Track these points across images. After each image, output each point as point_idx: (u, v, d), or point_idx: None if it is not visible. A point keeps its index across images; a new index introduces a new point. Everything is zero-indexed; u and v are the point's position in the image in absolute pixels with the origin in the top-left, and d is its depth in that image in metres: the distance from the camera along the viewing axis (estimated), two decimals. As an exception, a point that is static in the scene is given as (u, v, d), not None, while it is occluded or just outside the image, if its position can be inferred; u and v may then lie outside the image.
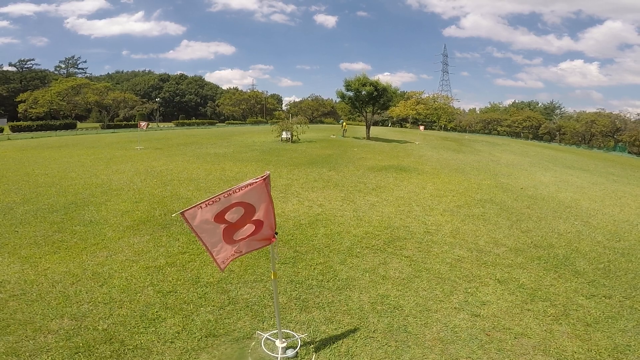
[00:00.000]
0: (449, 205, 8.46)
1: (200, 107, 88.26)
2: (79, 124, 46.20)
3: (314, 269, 4.79)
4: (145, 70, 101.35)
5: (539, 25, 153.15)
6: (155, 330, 3.38)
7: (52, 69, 76.18)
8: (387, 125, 70.62)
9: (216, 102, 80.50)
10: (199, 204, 2.43)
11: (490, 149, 28.01)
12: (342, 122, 36.09)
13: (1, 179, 9.63)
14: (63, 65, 78.38)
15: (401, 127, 69.69)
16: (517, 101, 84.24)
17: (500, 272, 4.95)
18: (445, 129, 69.31)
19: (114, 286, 4.14)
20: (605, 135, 49.14)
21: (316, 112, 78.34)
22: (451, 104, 75.85)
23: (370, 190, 9.66)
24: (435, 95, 74.93)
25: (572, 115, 62.35)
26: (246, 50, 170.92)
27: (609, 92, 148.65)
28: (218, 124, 61.87)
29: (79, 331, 3.31)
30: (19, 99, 49.00)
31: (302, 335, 3.38)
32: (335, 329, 3.52)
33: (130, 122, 50.36)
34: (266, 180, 2.58)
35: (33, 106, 47.11)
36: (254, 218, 2.66)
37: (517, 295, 4.33)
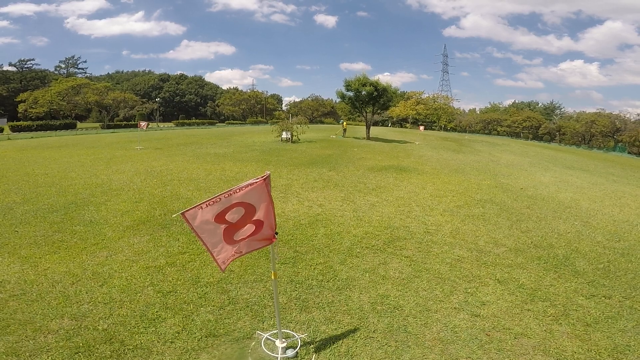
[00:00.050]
0: (449, 206, 8.46)
1: (200, 107, 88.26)
2: (79, 124, 46.19)
3: (314, 269, 4.79)
4: (145, 70, 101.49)
5: (539, 25, 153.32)
6: (155, 330, 3.38)
7: (52, 69, 76.31)
8: (387, 126, 70.60)
9: (216, 102, 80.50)
10: (200, 204, 2.43)
11: (490, 149, 28.01)
12: (342, 122, 36.11)
13: (1, 179, 9.63)
14: (63, 65, 78.47)
15: (401, 127, 69.67)
16: (517, 101, 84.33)
17: (500, 272, 4.95)
18: (445, 129, 69.30)
19: (114, 286, 4.14)
20: (605, 135, 49.13)
21: (316, 112, 78.35)
22: (451, 104, 75.90)
23: (370, 191, 9.67)
24: (435, 96, 74.98)
25: (572, 115, 62.28)
26: (246, 50, 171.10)
27: (609, 92, 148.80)
28: (218, 124, 61.89)
29: (79, 331, 3.31)
30: (19, 99, 49.03)
31: (302, 335, 3.38)
32: (335, 329, 3.52)
33: (130, 122, 50.36)
34: (266, 180, 2.59)
35: (33, 106, 47.13)
36: (254, 218, 2.66)
37: (517, 296, 4.33)
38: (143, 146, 19.04)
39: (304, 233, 6.13)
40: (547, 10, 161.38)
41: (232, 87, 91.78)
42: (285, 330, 3.41)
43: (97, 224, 6.23)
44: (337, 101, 65.34)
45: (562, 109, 76.01)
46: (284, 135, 23.79)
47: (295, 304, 3.93)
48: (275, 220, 2.80)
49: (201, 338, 3.28)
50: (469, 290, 4.39)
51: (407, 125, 70.18)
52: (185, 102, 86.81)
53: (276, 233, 2.88)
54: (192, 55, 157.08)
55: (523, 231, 6.87)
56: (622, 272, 5.23)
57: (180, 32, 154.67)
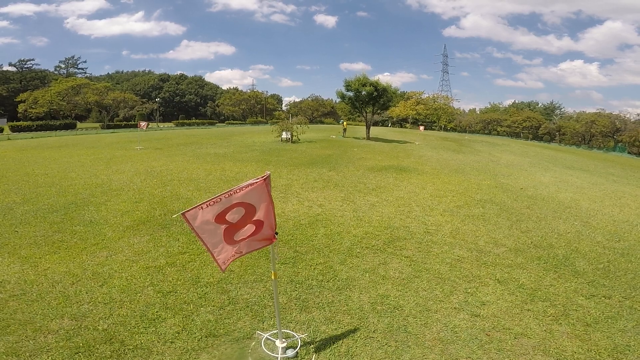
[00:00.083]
0: (449, 206, 8.46)
1: (200, 107, 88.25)
2: (78, 124, 46.17)
3: (314, 269, 4.79)
4: (145, 70, 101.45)
5: (539, 25, 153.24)
6: (155, 330, 3.38)
7: (52, 69, 76.30)
8: (387, 126, 70.59)
9: (216, 102, 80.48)
10: (200, 204, 2.43)
11: (490, 149, 28.02)
12: (342, 122, 36.12)
13: (1, 179, 9.63)
14: (63, 65, 78.47)
15: (401, 127, 69.67)
16: (517, 101, 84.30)
17: (500, 272, 4.95)
18: (445, 129, 69.30)
19: (114, 286, 4.14)
20: (605, 135, 49.12)
21: (316, 112, 78.34)
22: (451, 104, 75.91)
23: (370, 191, 9.67)
24: (435, 96, 74.99)
25: (572, 115, 62.24)
26: (246, 51, 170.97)
27: (609, 92, 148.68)
28: (218, 124, 61.88)
29: (79, 331, 3.31)
30: (19, 99, 49.02)
31: (302, 335, 3.38)
32: (335, 329, 3.52)
33: (130, 122, 50.35)
34: (266, 180, 2.59)
35: (33, 106, 47.13)
36: (254, 218, 2.66)
37: (517, 296, 4.34)
38: (143, 146, 19.04)
39: (304, 233, 6.13)
40: (547, 10, 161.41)
41: (232, 87, 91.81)
42: (285, 330, 3.41)
43: (97, 224, 6.23)
44: (337, 101, 65.33)
45: (562, 109, 76.09)
46: (284, 135, 23.79)
47: (295, 304, 3.93)
48: (275, 220, 2.80)
49: (201, 338, 3.29)
50: (469, 290, 4.39)
51: (407, 125, 70.18)
52: (185, 102, 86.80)
53: (276, 233, 2.88)
54: (192, 55, 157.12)
55: (523, 231, 6.87)
56: (622, 272, 5.24)
57: (180, 32, 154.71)
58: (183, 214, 2.42)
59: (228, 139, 25.06)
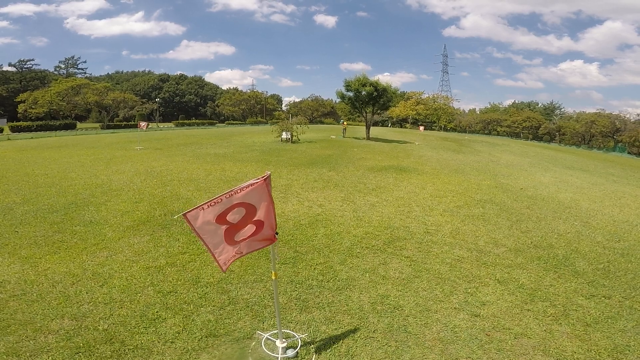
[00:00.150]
0: (449, 206, 8.47)
1: (200, 108, 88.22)
2: (78, 124, 46.13)
3: (314, 269, 4.79)
4: (145, 70, 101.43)
5: (539, 25, 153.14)
6: (155, 330, 3.38)
7: (51, 69, 76.21)
8: (387, 126, 70.62)
9: (216, 102, 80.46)
10: (201, 205, 2.44)
11: (490, 149, 28.03)
12: (343, 122, 36.13)
13: (1, 179, 9.63)
14: (63, 66, 78.42)
15: (401, 127, 69.68)
16: (517, 101, 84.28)
17: (500, 273, 4.96)
18: (445, 130, 69.33)
19: (114, 286, 4.14)
20: (605, 135, 49.14)
21: (316, 112, 78.35)
22: (451, 105, 75.90)
23: (370, 191, 9.67)
24: (435, 96, 74.98)
25: (571, 115, 62.24)
26: (246, 51, 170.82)
27: (609, 92, 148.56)
28: (218, 124, 61.88)
29: (80, 331, 3.32)
30: (19, 99, 48.98)
31: (302, 335, 3.39)
32: (336, 329, 3.52)
33: (130, 123, 50.34)
34: (267, 180, 2.59)
35: (33, 106, 47.09)
36: (255, 219, 2.66)
37: (516, 296, 4.34)
38: (143, 146, 19.05)
39: (304, 233, 6.14)
40: (547, 10, 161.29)
41: (232, 88, 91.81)
42: (285, 330, 3.41)
43: (97, 224, 6.23)
44: (337, 101, 65.35)
45: (562, 109, 76.06)
46: (284, 135, 23.79)
47: (295, 304, 3.93)
48: (275, 220, 2.80)
49: (201, 338, 3.29)
50: (469, 291, 4.40)
51: (407, 125, 70.18)
52: (185, 103, 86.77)
53: (276, 233, 2.88)
54: (192, 56, 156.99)
55: (523, 231, 6.87)
56: (622, 273, 5.24)
57: (180, 32, 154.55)
58: (184, 214, 2.42)
59: (228, 139, 25.06)
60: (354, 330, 3.50)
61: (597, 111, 53.85)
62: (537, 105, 79.74)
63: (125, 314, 3.62)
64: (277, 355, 3.09)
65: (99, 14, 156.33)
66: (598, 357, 3.30)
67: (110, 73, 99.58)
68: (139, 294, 4.00)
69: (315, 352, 3.19)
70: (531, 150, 30.96)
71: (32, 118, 45.19)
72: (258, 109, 77.79)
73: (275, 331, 3.29)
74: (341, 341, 3.33)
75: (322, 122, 72.60)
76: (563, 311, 4.05)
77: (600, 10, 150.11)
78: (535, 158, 23.49)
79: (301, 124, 25.93)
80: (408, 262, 5.15)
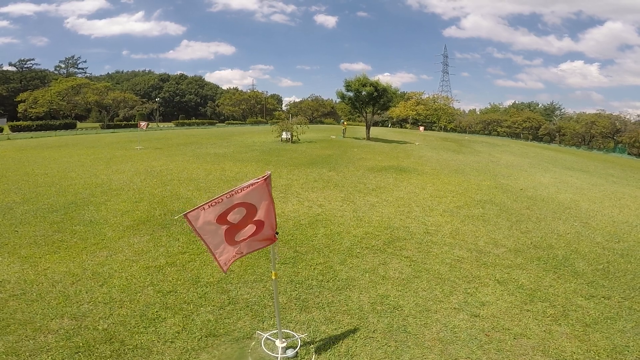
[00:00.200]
0: (449, 206, 8.47)
1: (200, 107, 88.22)
2: (78, 124, 46.13)
3: (314, 269, 4.79)
4: (145, 70, 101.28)
5: (539, 25, 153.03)
6: (155, 330, 3.38)
7: (52, 69, 76.18)
8: (387, 126, 70.64)
9: (216, 102, 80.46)
10: (202, 205, 2.44)
11: (490, 149, 28.04)
12: (343, 122, 36.15)
13: (1, 179, 9.63)
14: (63, 65, 78.38)
15: (401, 127, 69.70)
16: (517, 102, 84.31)
17: (500, 273, 4.96)
18: (445, 130, 69.35)
19: (114, 286, 4.15)
20: (605, 136, 49.15)
21: (316, 112, 78.36)
22: (451, 105, 75.91)
23: (370, 191, 9.67)
24: (435, 96, 75.01)
25: (572, 116, 62.23)
26: (246, 51, 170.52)
27: (609, 93, 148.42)
28: (218, 124, 61.88)
29: (79, 331, 3.32)
30: (19, 99, 48.97)
31: (302, 335, 3.39)
32: (335, 329, 3.53)
33: (130, 122, 50.32)
34: (267, 180, 2.60)
35: (33, 106, 47.09)
36: (255, 218, 2.67)
37: (516, 296, 4.34)
38: (143, 146, 19.05)
39: (304, 233, 6.14)
40: (547, 11, 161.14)
41: (232, 87, 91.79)
42: (285, 330, 3.41)
43: (97, 223, 6.23)
44: (337, 101, 65.40)
45: (562, 110, 76.01)
46: (284, 135, 23.80)
47: (295, 304, 3.93)
48: (275, 220, 2.81)
49: (201, 338, 3.29)
50: (469, 291, 4.40)
51: (407, 125, 70.19)
52: (185, 102, 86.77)
53: (277, 233, 2.89)
54: (192, 55, 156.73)
55: (523, 232, 6.88)
56: (622, 273, 5.24)
57: (180, 32, 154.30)
58: (185, 214, 2.42)
59: (228, 139, 25.06)
60: (354, 330, 3.50)
61: (597, 112, 53.87)
62: (538, 105, 79.76)
63: (125, 313, 3.62)
64: (276, 355, 3.09)
65: (99, 14, 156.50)
66: (597, 357, 3.30)
67: (110, 73, 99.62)
68: (139, 294, 4.00)
69: (315, 352, 3.19)
70: (531, 151, 30.97)
71: (32, 118, 45.18)
72: (258, 109, 77.79)
73: (275, 331, 3.29)
74: (341, 341, 3.33)
75: (322, 122, 72.61)
76: (562, 312, 4.05)
77: (600, 11, 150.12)
78: (535, 159, 23.49)
79: (301, 124, 25.94)
80: (408, 262, 5.16)
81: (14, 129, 34.89)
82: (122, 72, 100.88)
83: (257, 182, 2.54)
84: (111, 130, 39.45)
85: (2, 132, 32.06)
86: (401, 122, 73.42)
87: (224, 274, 4.43)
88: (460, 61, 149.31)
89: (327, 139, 27.66)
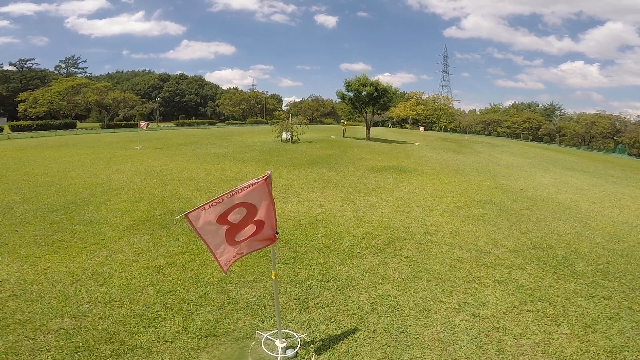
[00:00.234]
0: (449, 206, 8.47)
1: (200, 107, 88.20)
2: (78, 124, 46.13)
3: (314, 269, 4.79)
4: (145, 70, 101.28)
5: (540, 26, 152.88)
6: (155, 329, 3.38)
7: (52, 69, 76.15)
8: (387, 126, 70.62)
9: (216, 102, 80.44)
10: (203, 205, 2.44)
11: (490, 150, 28.04)
12: (343, 122, 36.15)
13: (1, 179, 9.63)
14: (63, 65, 78.34)
15: (401, 127, 69.69)
16: (517, 102, 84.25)
17: (500, 273, 4.96)
18: (445, 130, 69.33)
19: (114, 286, 4.15)
20: (605, 136, 49.15)
21: (316, 112, 78.33)
22: (451, 105, 75.90)
23: (370, 191, 9.67)
24: (435, 96, 75.00)
25: (572, 116, 62.20)
26: (246, 50, 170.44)
27: (609, 93, 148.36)
28: (218, 124, 61.84)
29: (79, 331, 3.32)
30: (19, 99, 48.94)
31: (302, 335, 3.39)
32: (335, 329, 3.53)
33: (130, 122, 50.31)
34: (267, 180, 2.60)
35: (33, 106, 47.06)
36: (255, 218, 2.67)
37: (516, 296, 4.34)
38: (143, 146, 19.04)
39: (304, 233, 6.14)
40: (547, 11, 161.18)
41: (232, 87, 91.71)
42: (285, 330, 3.41)
43: (97, 223, 6.23)
44: (337, 101, 65.41)
45: (562, 110, 75.94)
46: (284, 135, 23.80)
47: (295, 304, 3.93)
48: (276, 220, 2.81)
49: (201, 338, 3.29)
50: (469, 291, 4.40)
51: (407, 125, 70.18)
52: (185, 102, 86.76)
53: (277, 233, 2.89)
54: (192, 55, 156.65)
55: (523, 232, 6.88)
56: (621, 274, 5.24)
57: (180, 32, 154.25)
58: (186, 215, 2.42)
59: (228, 139, 25.06)
60: (354, 330, 3.50)
61: (598, 112, 53.89)
62: (538, 106, 79.73)
63: (124, 313, 3.62)
64: (276, 355, 3.09)
65: (100, 14, 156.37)
66: (597, 357, 3.31)
67: (110, 72, 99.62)
68: (139, 294, 4.00)
69: (315, 352, 3.19)
70: (531, 151, 30.97)
71: (32, 117, 45.16)
72: (258, 108, 77.78)
73: (275, 331, 3.29)
74: (341, 341, 3.33)
75: (322, 122, 72.59)
76: (562, 312, 4.05)
77: (601, 11, 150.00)
78: (535, 159, 23.49)
79: (301, 124, 25.94)
80: (408, 262, 5.16)
81: (14, 129, 34.88)
82: (122, 72, 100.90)
83: (258, 182, 2.54)
84: (111, 130, 39.45)
85: (2, 131, 32.06)
86: (401, 122, 73.41)
87: (224, 274, 4.43)
88: (461, 61, 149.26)
89: (327, 139, 27.66)
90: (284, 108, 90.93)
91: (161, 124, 56.96)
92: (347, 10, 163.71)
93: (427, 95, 72.60)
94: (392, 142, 28.89)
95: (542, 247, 6.11)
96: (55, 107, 48.40)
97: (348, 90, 28.77)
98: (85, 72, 79.83)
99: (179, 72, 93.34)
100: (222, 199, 2.45)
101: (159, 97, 76.31)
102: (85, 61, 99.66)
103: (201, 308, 3.77)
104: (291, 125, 24.43)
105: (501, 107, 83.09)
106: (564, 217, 8.22)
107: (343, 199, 8.67)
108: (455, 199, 9.23)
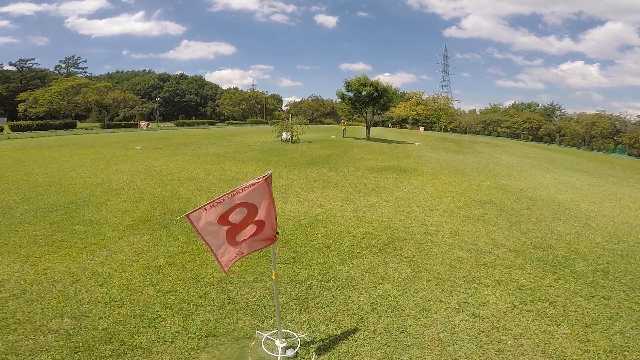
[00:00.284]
0: (449, 206, 8.47)
1: (200, 107, 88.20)
2: (78, 124, 46.15)
3: (314, 269, 4.79)
4: (145, 70, 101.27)
5: (540, 26, 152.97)
6: (155, 329, 3.38)
7: (52, 69, 76.16)
8: (387, 126, 70.62)
9: (216, 102, 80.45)
10: (204, 205, 2.44)
11: (490, 150, 28.03)
12: (343, 122, 36.15)
13: (1, 179, 9.63)
14: (63, 65, 78.34)
15: (401, 128, 69.70)
16: (517, 102, 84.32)
17: (500, 273, 4.96)
18: (445, 130, 69.35)
19: (114, 286, 4.15)
20: (605, 137, 49.17)
21: (316, 112, 78.32)
22: (451, 105, 75.88)
23: (370, 191, 9.67)
24: (435, 96, 74.95)
25: (572, 116, 62.21)
26: (246, 50, 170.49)
27: (609, 93, 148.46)
28: (218, 124, 61.86)
29: (79, 330, 3.32)
30: (19, 99, 48.93)
31: (302, 335, 3.39)
32: (335, 329, 3.53)
33: (130, 122, 50.34)
34: (268, 180, 2.60)
35: (33, 106, 47.06)
36: (256, 218, 2.67)
37: (516, 296, 4.34)
38: (143, 146, 19.04)
39: (304, 233, 6.14)
40: (547, 11, 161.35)
41: (232, 87, 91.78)
42: (285, 330, 3.41)
43: (97, 223, 6.23)
44: (337, 101, 65.42)
45: (563, 110, 75.96)
46: (284, 135, 23.80)
47: (295, 304, 3.93)
48: (276, 220, 2.81)
49: (201, 338, 3.29)
50: (469, 291, 4.40)
51: (407, 125, 70.21)
52: (185, 102, 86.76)
53: (277, 233, 2.89)
54: (192, 55, 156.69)
55: (523, 232, 6.88)
56: (621, 274, 5.24)
57: (180, 32, 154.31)
58: (187, 215, 2.42)
59: (228, 139, 25.06)
60: (354, 330, 3.50)
61: (598, 112, 53.88)
62: (538, 106, 79.75)
63: (124, 313, 3.62)
64: (276, 355, 3.09)
65: (100, 14, 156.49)
66: (597, 358, 3.30)
67: (110, 72, 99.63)
68: (139, 294, 4.00)
69: (315, 352, 3.19)
70: (531, 151, 30.97)
71: (32, 117, 45.16)
72: (258, 108, 77.78)
73: (275, 331, 3.29)
74: (341, 341, 3.33)
75: (322, 122, 72.59)
76: (562, 312, 4.05)
77: (601, 11, 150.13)
78: (535, 159, 23.49)
79: (301, 124, 25.94)
80: (408, 262, 5.16)
81: (14, 129, 34.88)
82: (122, 72, 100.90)
83: (258, 182, 2.54)
84: (111, 130, 39.46)
85: (2, 131, 32.05)
86: (401, 123, 73.42)
87: (224, 274, 4.43)
88: (461, 61, 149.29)
89: (327, 139, 27.66)
90: (284, 108, 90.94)
91: (161, 124, 56.97)
92: (347, 10, 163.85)
93: (427, 95, 72.65)
94: (392, 142, 28.89)
95: (542, 247, 6.11)
96: (55, 107, 48.39)
97: (348, 91, 28.77)
98: (85, 72, 79.86)
99: (179, 72, 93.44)
100: (223, 199, 2.46)
101: (159, 97, 76.31)
102: (85, 61, 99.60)
103: (201, 308, 3.77)
104: (291, 125, 24.44)
105: (501, 107, 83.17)
106: (564, 217, 8.22)
107: (343, 199, 8.67)
108: (455, 199, 9.23)
